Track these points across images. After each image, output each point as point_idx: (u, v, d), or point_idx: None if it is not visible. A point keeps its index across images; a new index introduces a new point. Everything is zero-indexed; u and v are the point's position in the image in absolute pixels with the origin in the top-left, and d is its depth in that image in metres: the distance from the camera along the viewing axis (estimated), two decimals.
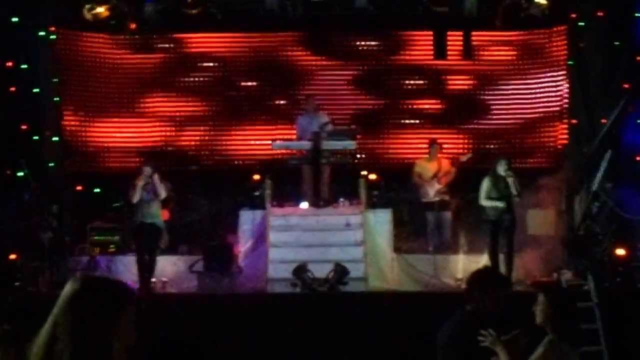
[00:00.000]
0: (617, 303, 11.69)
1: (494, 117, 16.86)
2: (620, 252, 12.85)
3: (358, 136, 14.92)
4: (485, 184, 12.88)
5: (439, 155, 15.03)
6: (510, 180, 12.69)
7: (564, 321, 5.21)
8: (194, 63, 16.95)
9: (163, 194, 12.98)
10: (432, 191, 14.53)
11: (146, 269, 12.68)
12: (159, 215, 12.99)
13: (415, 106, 16.86)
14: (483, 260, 13.26)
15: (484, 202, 12.89)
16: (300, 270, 12.39)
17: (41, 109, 14.52)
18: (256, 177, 14.89)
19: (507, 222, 12.77)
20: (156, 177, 12.95)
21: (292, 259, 12.79)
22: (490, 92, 16.90)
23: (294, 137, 15.11)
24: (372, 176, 14.94)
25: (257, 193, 14.47)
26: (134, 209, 13.11)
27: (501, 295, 5.65)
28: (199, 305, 12.03)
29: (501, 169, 12.81)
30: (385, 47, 16.93)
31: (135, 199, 12.86)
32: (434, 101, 16.91)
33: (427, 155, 15.16)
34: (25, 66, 14.03)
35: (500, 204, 12.71)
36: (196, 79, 16.95)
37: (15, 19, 13.82)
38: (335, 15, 16.36)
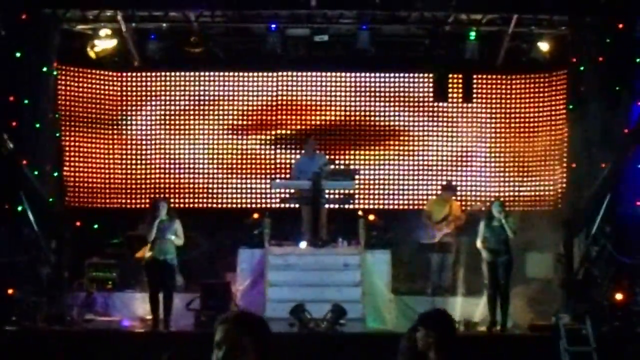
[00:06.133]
0: (616, 347, 11.63)
1: (494, 161, 16.91)
2: (619, 296, 12.82)
3: (357, 176, 14.94)
4: (481, 227, 13.09)
5: (452, 199, 15.00)
6: (504, 221, 12.88)
7: None
8: (196, 102, 17.04)
9: (181, 241, 13.05)
10: (440, 234, 14.50)
11: (159, 305, 12.74)
12: (172, 251, 13.01)
13: (421, 149, 16.96)
14: (481, 302, 13.24)
15: (479, 244, 13.04)
16: (298, 310, 12.35)
17: (42, 144, 14.54)
18: (255, 215, 14.87)
19: (504, 263, 12.82)
20: (178, 222, 13.01)
21: (289, 298, 12.74)
22: (490, 136, 16.96)
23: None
24: (371, 217, 14.91)
25: (256, 232, 14.44)
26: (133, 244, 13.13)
27: None
28: (195, 344, 11.93)
29: (495, 210, 13.01)
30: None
31: (151, 237, 12.88)
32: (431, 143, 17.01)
33: (437, 196, 15.19)
34: (27, 101, 14.09)
35: (492, 245, 12.85)
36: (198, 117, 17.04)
37: (18, 54, 13.91)
38: (337, 55, 16.47)
